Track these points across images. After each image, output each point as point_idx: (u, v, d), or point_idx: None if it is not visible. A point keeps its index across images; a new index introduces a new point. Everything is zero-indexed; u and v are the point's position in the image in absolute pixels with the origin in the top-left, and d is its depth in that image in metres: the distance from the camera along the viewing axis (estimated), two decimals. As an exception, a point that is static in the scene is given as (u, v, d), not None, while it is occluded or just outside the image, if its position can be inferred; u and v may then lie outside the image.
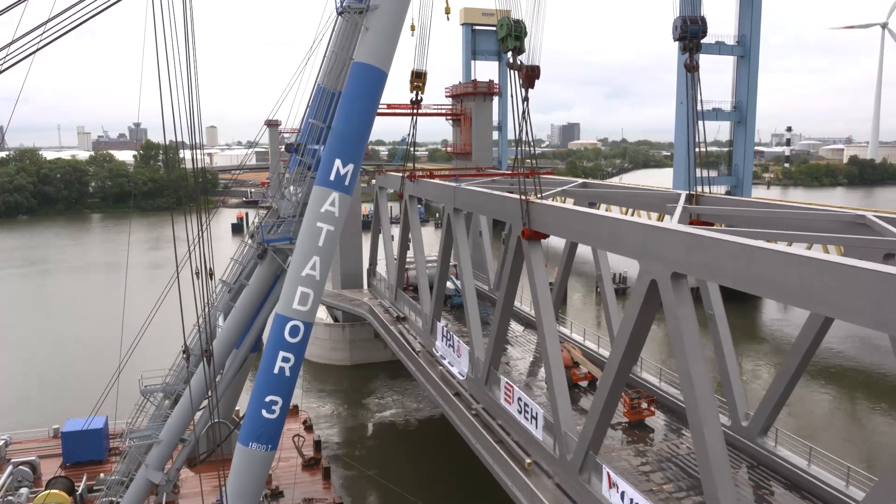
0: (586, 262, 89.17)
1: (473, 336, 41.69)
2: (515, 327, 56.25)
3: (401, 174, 56.57)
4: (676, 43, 32.97)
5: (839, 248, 28.46)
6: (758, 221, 30.90)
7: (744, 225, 31.84)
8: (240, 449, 28.35)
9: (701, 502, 27.87)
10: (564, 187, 45.21)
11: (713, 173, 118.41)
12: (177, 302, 24.82)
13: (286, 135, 58.31)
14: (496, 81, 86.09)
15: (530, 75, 31.58)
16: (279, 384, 27.72)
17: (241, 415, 31.98)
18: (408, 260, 61.65)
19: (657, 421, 37.07)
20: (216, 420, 33.65)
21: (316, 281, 27.45)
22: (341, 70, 29.25)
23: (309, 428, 49.80)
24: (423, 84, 43.83)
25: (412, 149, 51.97)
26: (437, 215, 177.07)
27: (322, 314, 74.10)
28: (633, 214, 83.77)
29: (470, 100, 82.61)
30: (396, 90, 49.62)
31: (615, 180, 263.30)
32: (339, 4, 28.68)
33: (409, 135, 50.86)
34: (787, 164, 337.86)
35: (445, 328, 46.94)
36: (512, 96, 31.85)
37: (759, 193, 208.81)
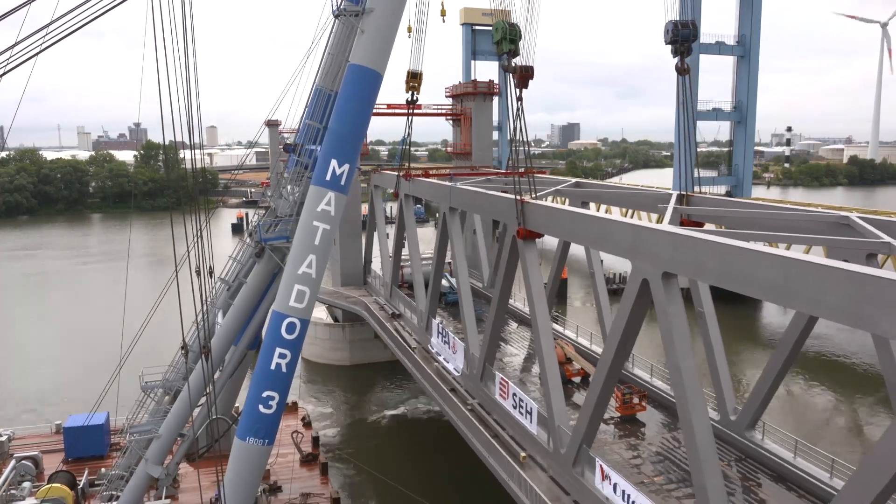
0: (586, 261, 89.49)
1: (468, 333, 42.21)
2: (510, 324, 56.75)
3: (396, 173, 57.04)
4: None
5: (825, 249, 28.94)
6: (746, 222, 31.51)
7: (732, 225, 32.45)
8: (237, 443, 28.88)
9: (690, 494, 28.39)
10: (558, 187, 45.66)
11: (713, 173, 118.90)
12: (177, 300, 25.32)
13: (286, 135, 58.75)
14: (496, 81, 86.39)
15: (524, 76, 32.18)
16: (276, 380, 28.25)
17: (240, 410, 32.45)
18: (403, 257, 62.13)
19: (648, 416, 37.66)
20: (214, 416, 34.14)
21: (312, 279, 27.98)
22: (338, 71, 29.77)
23: (307, 424, 50.32)
24: (419, 84, 44.41)
25: (408, 147, 52.55)
26: (437, 215, 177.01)
27: (322, 314, 74.59)
28: (632, 215, 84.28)
29: (470, 100, 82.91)
30: (396, 90, 50.10)
31: (615, 180, 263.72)
32: (335, 7, 29.22)
33: (406, 130, 51.48)
34: (787, 164, 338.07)
35: (441, 325, 47.43)
36: (508, 97, 32.41)
37: (759, 193, 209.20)
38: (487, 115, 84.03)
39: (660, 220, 40.56)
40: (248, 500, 29.62)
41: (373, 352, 70.57)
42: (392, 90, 47.26)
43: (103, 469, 40.03)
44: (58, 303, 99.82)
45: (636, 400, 37.79)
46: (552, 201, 41.62)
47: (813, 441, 50.64)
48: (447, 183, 47.34)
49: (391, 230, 65.23)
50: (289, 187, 32.34)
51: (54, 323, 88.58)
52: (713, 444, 23.54)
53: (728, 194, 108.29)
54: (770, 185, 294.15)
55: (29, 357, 74.10)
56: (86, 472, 40.36)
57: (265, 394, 28.23)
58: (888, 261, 66.15)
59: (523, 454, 33.21)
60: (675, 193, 36.11)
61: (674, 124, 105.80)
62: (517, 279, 37.26)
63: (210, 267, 27.56)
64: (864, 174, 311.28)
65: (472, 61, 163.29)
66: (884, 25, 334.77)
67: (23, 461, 40.88)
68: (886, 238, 24.11)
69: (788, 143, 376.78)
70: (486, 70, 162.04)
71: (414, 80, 44.86)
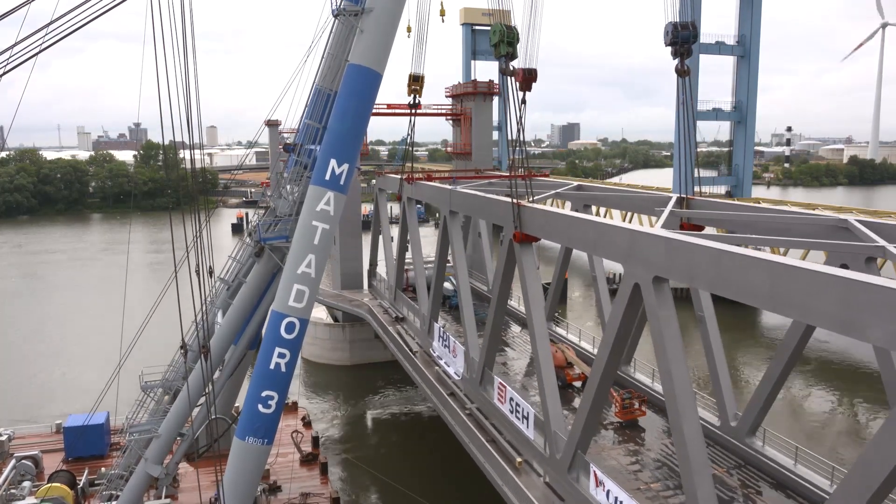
0: (587, 260, 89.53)
1: (468, 337, 42.14)
2: (513, 327, 56.75)
3: (399, 176, 57.12)
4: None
5: (826, 253, 28.91)
6: (745, 225, 31.43)
7: (732, 228, 32.36)
8: (236, 443, 28.89)
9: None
10: (559, 190, 45.53)
11: (713, 173, 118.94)
12: (177, 299, 25.32)
13: (286, 135, 58.82)
14: (496, 81, 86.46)
15: (527, 78, 31.89)
16: (275, 380, 28.27)
17: (240, 410, 32.49)
18: (407, 261, 62.15)
19: (648, 421, 37.45)
20: (214, 415, 34.16)
21: (311, 278, 28.00)
22: (337, 71, 29.79)
23: (307, 424, 50.35)
24: (421, 87, 44.53)
25: (410, 150, 52.58)
26: (437, 215, 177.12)
27: (322, 314, 74.60)
28: (630, 219, 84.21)
29: (470, 100, 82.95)
30: (396, 91, 50.16)
31: (615, 180, 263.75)
32: (334, 7, 29.24)
33: (407, 136, 51.58)
34: (787, 164, 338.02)
35: (442, 329, 47.43)
36: (506, 101, 32.19)
37: (759, 193, 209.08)
38: (487, 115, 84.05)
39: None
40: (248, 499, 29.64)
41: (373, 352, 70.58)
42: (392, 90, 47.39)
43: (103, 469, 40.11)
44: (57, 302, 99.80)
45: (636, 405, 37.55)
46: (552, 204, 41.58)
47: (814, 443, 50.90)
48: (447, 186, 47.32)
49: (394, 230, 65.16)
50: (288, 187, 32.37)
51: (54, 323, 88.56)
52: (704, 451, 23.48)
53: (728, 194, 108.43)
54: (770, 185, 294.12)
55: (29, 357, 74.12)
56: (86, 472, 40.40)
57: (265, 393, 28.25)
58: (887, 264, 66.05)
59: (519, 459, 33.08)
60: (674, 196, 35.99)
61: (673, 124, 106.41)
62: (516, 282, 37.19)
63: (210, 266, 27.57)
64: (864, 174, 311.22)
65: (472, 61, 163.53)
66: (884, 26, 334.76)
67: (23, 461, 40.93)
68: (882, 242, 23.97)
69: (788, 143, 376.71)
70: (486, 70, 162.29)
71: (415, 83, 44.97)
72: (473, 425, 37.50)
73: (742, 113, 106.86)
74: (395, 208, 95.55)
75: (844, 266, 25.92)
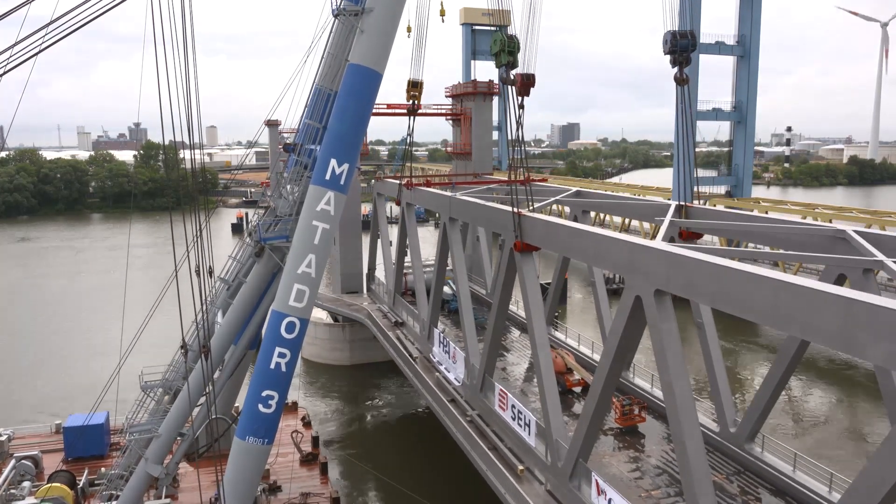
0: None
1: (468, 343, 42.06)
2: (513, 332, 56.72)
3: (398, 181, 57.18)
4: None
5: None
6: (743, 235, 31.42)
7: (728, 237, 32.37)
8: (237, 443, 28.89)
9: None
10: (559, 196, 45.31)
11: (713, 173, 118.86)
12: (177, 299, 25.33)
13: (286, 135, 58.85)
14: (496, 81, 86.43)
15: (525, 84, 31.89)
16: (275, 379, 28.27)
17: (240, 410, 32.50)
18: (406, 264, 62.14)
19: (648, 427, 37.42)
20: (214, 415, 34.16)
21: (312, 278, 28.00)
22: (337, 71, 29.79)
23: (307, 424, 50.35)
24: (420, 93, 44.70)
25: (409, 157, 52.61)
26: (437, 216, 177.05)
27: (322, 314, 74.55)
28: (628, 225, 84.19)
29: (470, 100, 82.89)
30: (396, 91, 50.20)
31: (615, 180, 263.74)
32: (335, 7, 29.25)
33: (407, 137, 51.69)
34: (787, 164, 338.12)
35: (442, 334, 47.38)
36: (506, 108, 32.14)
37: (759, 193, 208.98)
38: (487, 115, 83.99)
39: (656, 232, 40.54)
40: (248, 499, 29.64)
41: (373, 352, 70.51)
42: (392, 90, 47.52)
43: (103, 468, 40.10)
44: (57, 302, 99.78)
45: (636, 411, 37.50)
46: (555, 209, 41.40)
47: (813, 446, 50.89)
48: (447, 193, 47.24)
49: (394, 231, 65.13)
50: (288, 187, 32.38)
51: (54, 322, 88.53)
52: (706, 464, 23.53)
53: (728, 194, 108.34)
54: (770, 185, 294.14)
55: (29, 357, 74.12)
56: (86, 472, 40.39)
57: (265, 393, 28.25)
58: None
59: (521, 467, 33.04)
60: (673, 204, 35.80)
61: (673, 124, 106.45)
62: (516, 287, 37.13)
63: (210, 266, 27.58)
64: (863, 174, 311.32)
65: (472, 61, 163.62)
66: (884, 25, 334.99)
67: (23, 461, 40.91)
68: (880, 256, 23.90)
69: (788, 142, 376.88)
70: (486, 70, 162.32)
71: (414, 89, 45.13)
72: (475, 432, 37.45)
73: (742, 113, 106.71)
74: (394, 208, 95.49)
75: (842, 276, 26.07)
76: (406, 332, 56.90)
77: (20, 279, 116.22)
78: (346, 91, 27.93)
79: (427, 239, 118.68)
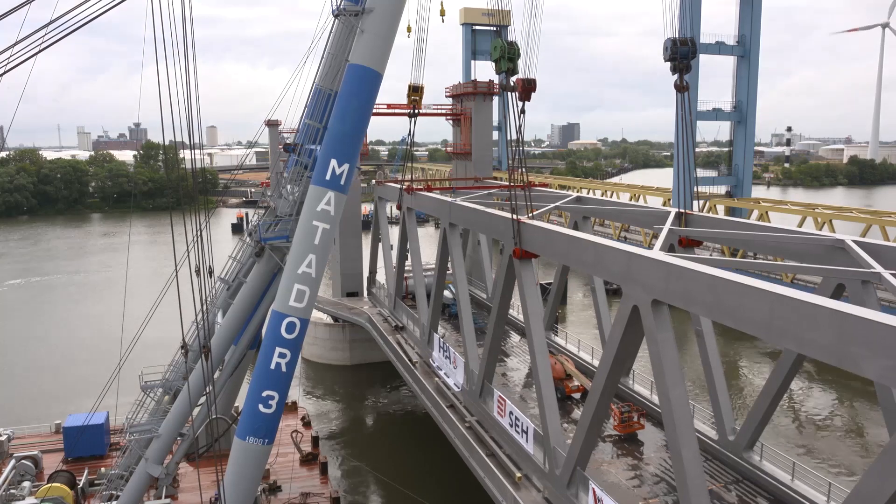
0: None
1: (468, 348, 42.00)
2: (513, 337, 56.65)
3: (399, 186, 57.22)
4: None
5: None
6: (741, 243, 31.24)
7: (726, 245, 32.20)
8: (237, 443, 28.91)
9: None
10: (558, 203, 45.09)
11: (713, 173, 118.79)
12: (177, 299, 25.32)
13: (286, 135, 58.84)
14: (496, 81, 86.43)
15: (526, 89, 31.82)
16: (276, 379, 28.30)
17: (240, 410, 32.52)
18: (406, 267, 62.09)
19: (647, 434, 37.31)
20: (214, 415, 34.17)
21: (312, 278, 28.01)
22: (338, 71, 29.81)
23: (307, 424, 50.36)
24: (420, 97, 44.78)
25: (410, 160, 52.47)
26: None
27: (322, 314, 74.57)
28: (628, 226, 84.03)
29: (470, 100, 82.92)
30: (396, 90, 50.29)
31: (615, 180, 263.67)
32: (335, 7, 29.26)
33: (409, 136, 51.62)
34: (787, 164, 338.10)
35: (442, 339, 47.36)
36: (506, 115, 32.01)
37: (759, 193, 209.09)
38: (487, 115, 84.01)
39: (655, 239, 40.37)
40: (248, 499, 29.66)
41: (373, 352, 70.37)
42: (392, 90, 47.50)
43: (103, 469, 40.15)
44: (57, 302, 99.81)
45: (635, 418, 37.37)
46: (554, 214, 41.24)
47: (812, 451, 50.86)
48: (448, 199, 47.20)
49: (394, 232, 65.07)
50: (288, 187, 32.38)
51: (54, 322, 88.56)
52: (702, 473, 23.51)
53: (728, 194, 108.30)
54: (770, 185, 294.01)
55: (29, 356, 74.12)
56: (85, 472, 40.39)
57: (265, 393, 28.27)
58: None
59: (518, 474, 32.99)
60: (672, 212, 35.66)
61: (673, 125, 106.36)
62: (516, 293, 37.04)
63: (210, 266, 27.58)
64: (864, 174, 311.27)
65: (473, 61, 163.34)
66: (885, 26, 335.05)
67: (23, 461, 40.93)
68: (878, 268, 23.84)
69: (788, 143, 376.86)
70: (486, 70, 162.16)
71: (415, 93, 45.19)
72: (473, 439, 37.43)
73: (742, 113, 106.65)
74: (393, 208, 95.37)
75: (841, 286, 26.07)
76: (406, 337, 56.89)
77: (19, 278, 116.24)
78: (347, 91, 27.96)
79: (427, 238, 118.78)
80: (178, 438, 34.98)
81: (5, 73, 20.55)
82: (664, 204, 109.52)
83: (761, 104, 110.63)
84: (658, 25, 32.49)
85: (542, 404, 31.59)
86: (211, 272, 28.62)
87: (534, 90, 31.91)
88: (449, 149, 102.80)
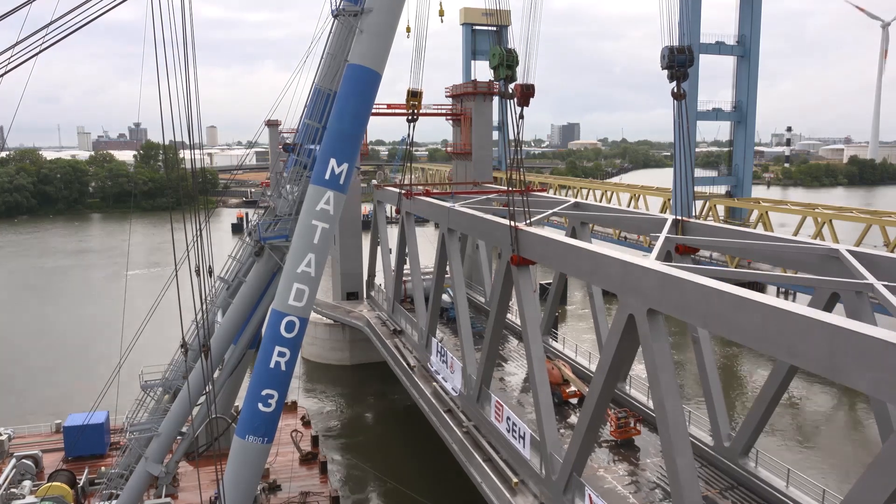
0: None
1: (466, 353, 42.01)
2: (511, 341, 56.68)
3: (398, 190, 57.29)
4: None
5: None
6: (738, 251, 31.25)
7: (723, 253, 32.25)
8: (237, 442, 28.97)
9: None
10: (556, 209, 45.14)
11: (713, 173, 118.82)
12: (177, 299, 25.38)
13: (286, 134, 58.93)
14: (496, 82, 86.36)
15: (525, 94, 31.90)
16: (275, 378, 28.36)
17: (240, 409, 32.58)
18: (405, 271, 62.09)
19: (644, 440, 37.36)
20: (214, 415, 34.23)
21: (311, 277, 28.09)
22: (337, 71, 29.88)
23: (307, 423, 50.43)
24: (419, 102, 44.97)
25: (409, 160, 52.57)
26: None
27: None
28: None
29: (470, 100, 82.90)
30: (395, 90, 50.38)
31: (615, 180, 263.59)
32: (334, 7, 29.34)
33: (408, 140, 51.77)
34: (787, 164, 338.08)
35: (440, 344, 47.41)
36: (504, 121, 32.11)
37: (759, 193, 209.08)
38: (487, 115, 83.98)
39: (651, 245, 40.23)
40: (248, 498, 29.72)
41: (373, 352, 70.29)
42: (392, 90, 47.64)
43: (103, 468, 40.25)
44: (57, 302, 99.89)
45: (631, 424, 37.41)
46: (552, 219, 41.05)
47: (809, 451, 50.88)
48: (446, 204, 47.23)
49: (394, 232, 65.06)
50: (288, 186, 32.45)
51: (54, 322, 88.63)
52: (696, 480, 23.63)
53: (728, 194, 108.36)
54: (770, 185, 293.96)
55: (29, 356, 74.17)
56: (86, 471, 40.48)
57: (265, 392, 28.33)
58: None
59: (515, 479, 33.04)
60: (670, 219, 35.73)
61: (672, 125, 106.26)
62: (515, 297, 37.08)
63: (210, 266, 27.64)
64: (863, 174, 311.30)
65: (472, 61, 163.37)
66: (884, 26, 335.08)
67: (23, 460, 41.01)
68: (871, 279, 23.91)
69: (788, 143, 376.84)
70: (486, 70, 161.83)
71: (414, 98, 45.37)
72: (470, 444, 37.49)
73: (742, 113, 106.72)
74: (393, 208, 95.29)
75: (836, 295, 26.25)
76: (405, 341, 56.94)
77: (19, 278, 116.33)
78: (346, 91, 28.03)
79: (427, 238, 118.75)
80: (177, 437, 35.02)
81: (6, 73, 20.62)
82: (664, 205, 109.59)
83: (761, 104, 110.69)
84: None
85: (538, 411, 31.63)
86: (211, 272, 28.69)
87: (532, 96, 32.00)
88: (449, 149, 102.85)
